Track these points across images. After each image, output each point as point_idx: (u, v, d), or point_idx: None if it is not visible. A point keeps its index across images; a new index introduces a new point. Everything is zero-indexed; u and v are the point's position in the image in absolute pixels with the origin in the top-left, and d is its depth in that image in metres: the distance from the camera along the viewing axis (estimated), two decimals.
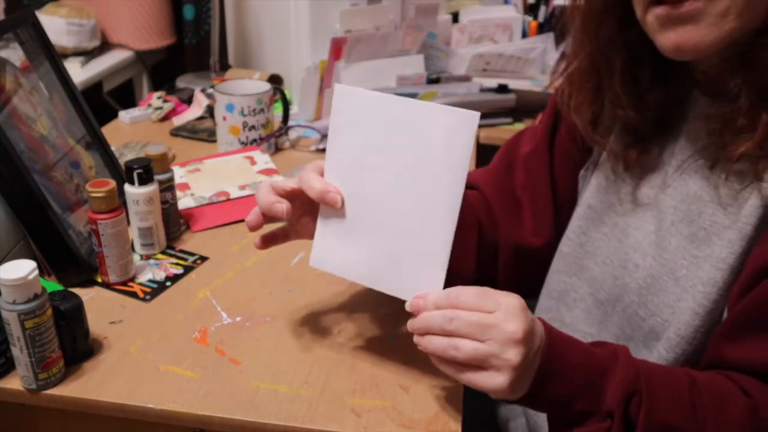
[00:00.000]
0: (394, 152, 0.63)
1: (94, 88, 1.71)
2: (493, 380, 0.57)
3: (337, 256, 0.68)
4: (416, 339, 0.61)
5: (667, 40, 0.60)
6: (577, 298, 0.79)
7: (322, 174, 0.68)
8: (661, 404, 0.59)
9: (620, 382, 0.59)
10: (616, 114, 0.71)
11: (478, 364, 0.57)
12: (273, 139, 1.28)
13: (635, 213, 0.74)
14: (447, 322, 0.57)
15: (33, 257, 0.82)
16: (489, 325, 0.56)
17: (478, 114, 0.59)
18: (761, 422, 0.59)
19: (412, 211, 0.63)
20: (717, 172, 0.64)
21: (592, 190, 0.78)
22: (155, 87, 1.91)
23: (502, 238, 0.83)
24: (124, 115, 1.41)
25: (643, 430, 0.58)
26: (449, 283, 0.62)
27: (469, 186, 0.87)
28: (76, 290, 0.79)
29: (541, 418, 0.79)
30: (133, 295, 0.84)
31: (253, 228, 0.70)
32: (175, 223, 0.96)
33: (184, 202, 1.05)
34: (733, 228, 0.62)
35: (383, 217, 0.65)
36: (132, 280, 0.86)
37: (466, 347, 0.57)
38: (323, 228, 0.69)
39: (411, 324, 0.61)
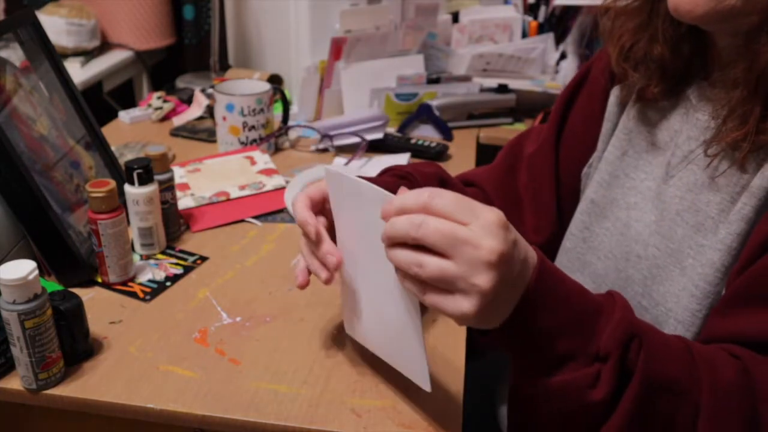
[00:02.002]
0: (368, 233, 0.59)
1: (94, 88, 1.71)
2: (457, 306, 0.50)
3: (357, 325, 0.69)
4: (386, 252, 0.53)
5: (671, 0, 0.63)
6: None
7: (312, 203, 0.65)
8: (660, 353, 0.55)
9: (619, 321, 0.54)
10: (652, 50, 0.71)
11: (444, 286, 0.50)
12: (273, 139, 1.28)
13: (637, 206, 0.74)
14: (414, 228, 0.50)
15: (33, 257, 0.82)
16: (460, 239, 0.49)
17: None
18: (753, 383, 0.56)
19: (387, 295, 0.59)
20: (723, 160, 0.65)
21: (594, 185, 0.79)
22: (155, 87, 1.91)
23: None
24: (124, 115, 1.41)
25: (641, 378, 0.54)
26: None
27: (469, 183, 0.87)
28: (76, 290, 0.79)
29: None
30: (133, 295, 0.84)
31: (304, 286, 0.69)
32: (175, 223, 0.96)
33: (184, 202, 1.05)
34: (734, 210, 0.63)
35: (372, 294, 0.64)
36: (132, 280, 0.86)
37: (431, 265, 0.50)
38: (344, 297, 0.69)
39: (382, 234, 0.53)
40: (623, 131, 0.77)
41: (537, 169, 0.85)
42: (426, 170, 0.79)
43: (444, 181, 0.78)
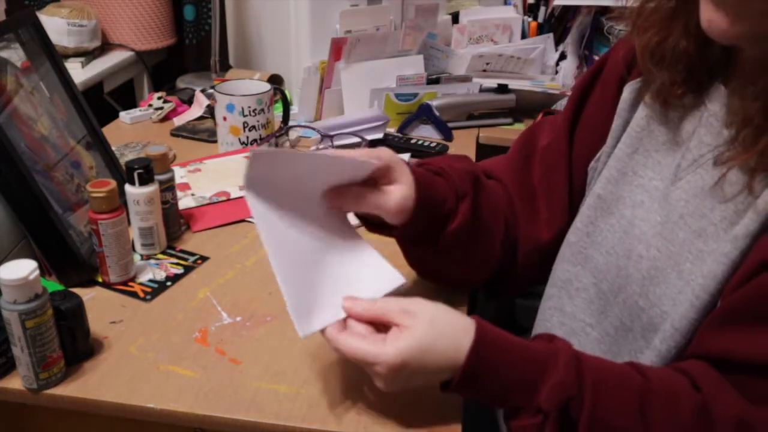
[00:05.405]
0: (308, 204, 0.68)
1: (94, 88, 1.71)
2: (375, 381, 0.63)
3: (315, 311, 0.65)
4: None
5: (704, 14, 0.61)
6: (580, 287, 0.79)
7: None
8: (607, 406, 0.59)
9: (556, 385, 0.59)
10: (680, 45, 0.69)
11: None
12: (273, 139, 1.28)
13: (643, 204, 0.74)
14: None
15: (34, 257, 0.82)
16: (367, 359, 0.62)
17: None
18: (711, 422, 0.58)
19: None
20: (731, 171, 0.64)
21: (602, 181, 0.78)
22: (156, 87, 1.91)
23: (522, 235, 0.83)
24: (125, 116, 1.41)
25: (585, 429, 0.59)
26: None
27: (489, 176, 0.87)
28: (77, 290, 0.79)
29: None
30: (134, 294, 0.84)
31: None
32: (175, 223, 0.97)
33: (184, 202, 1.05)
34: (740, 224, 0.62)
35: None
36: (132, 279, 0.87)
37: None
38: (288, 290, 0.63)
39: None
40: (636, 128, 0.76)
41: (551, 163, 0.84)
42: (458, 166, 0.79)
43: (477, 180, 0.79)
